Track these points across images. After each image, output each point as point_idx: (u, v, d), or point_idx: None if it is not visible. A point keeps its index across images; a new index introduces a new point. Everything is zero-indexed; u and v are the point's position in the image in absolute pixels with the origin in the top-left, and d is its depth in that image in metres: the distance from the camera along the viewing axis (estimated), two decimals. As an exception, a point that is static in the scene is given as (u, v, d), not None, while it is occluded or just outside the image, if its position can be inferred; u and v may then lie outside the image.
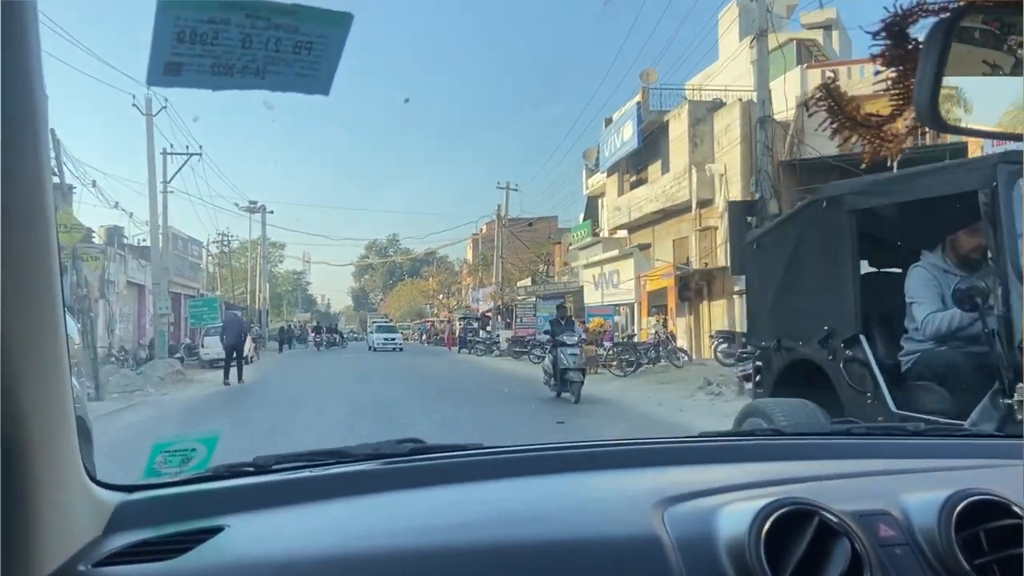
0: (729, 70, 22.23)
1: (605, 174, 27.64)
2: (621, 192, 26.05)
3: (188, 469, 1.24)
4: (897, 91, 1.10)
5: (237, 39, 0.84)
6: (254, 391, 15.96)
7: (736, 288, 19.17)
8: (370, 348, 38.36)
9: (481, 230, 56.05)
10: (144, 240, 25.89)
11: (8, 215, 0.73)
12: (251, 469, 1.22)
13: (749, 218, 11.84)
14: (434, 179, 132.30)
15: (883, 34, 1.07)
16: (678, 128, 21.83)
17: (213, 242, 47.68)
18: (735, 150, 19.04)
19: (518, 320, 30.80)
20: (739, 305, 19.52)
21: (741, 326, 18.68)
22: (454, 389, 15.60)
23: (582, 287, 28.55)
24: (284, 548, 0.96)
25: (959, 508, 0.93)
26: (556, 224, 43.68)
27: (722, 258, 19.96)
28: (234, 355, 17.95)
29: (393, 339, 37.72)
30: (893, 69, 1.06)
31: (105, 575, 0.90)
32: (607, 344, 19.80)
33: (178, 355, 26.22)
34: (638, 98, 23.70)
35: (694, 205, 20.73)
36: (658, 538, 0.92)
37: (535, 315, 28.67)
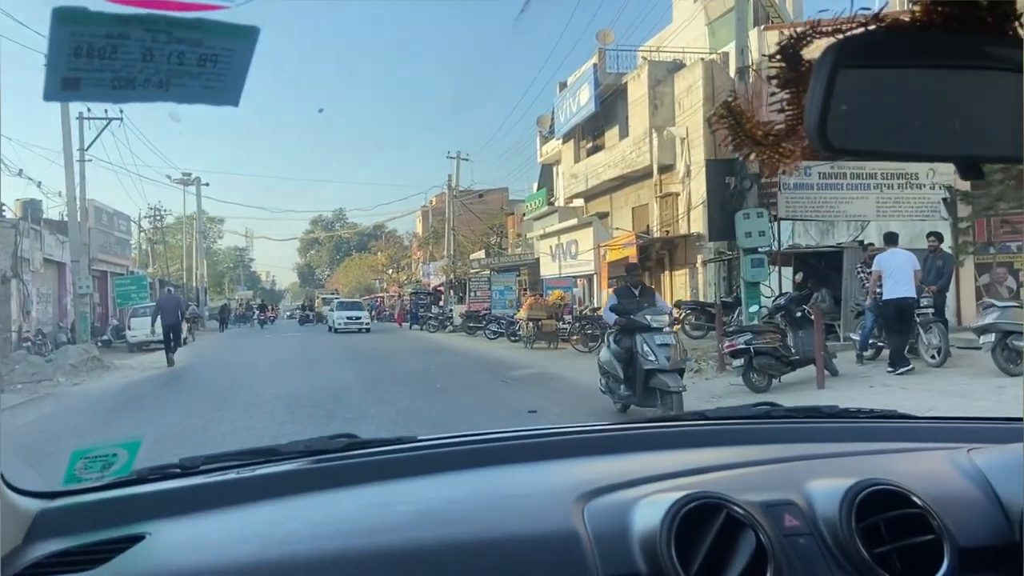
0: (684, 34, 21.22)
1: (560, 141, 26.37)
2: (578, 159, 24.87)
3: (110, 474, 1.21)
4: (791, 111, 1.10)
5: (137, 53, 0.83)
6: (185, 378, 14.40)
7: (701, 257, 18.35)
8: (331, 329, 33.76)
9: (431, 202, 54.56)
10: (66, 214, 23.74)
11: None
12: (177, 471, 1.21)
13: (728, 178, 10.84)
14: (381, 150, 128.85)
15: (777, 56, 1.08)
16: (637, 90, 20.72)
17: (144, 217, 45.00)
18: (697, 113, 18.05)
19: (472, 294, 29.37)
20: (703, 274, 18.71)
21: (707, 295, 17.90)
22: (410, 375, 13.94)
23: (538, 259, 27.43)
24: (203, 557, 0.95)
25: (859, 498, 0.93)
26: (507, 196, 42.35)
27: (685, 226, 19.06)
28: (171, 336, 16.68)
29: (359, 318, 32.46)
30: (787, 91, 1.08)
31: None
32: (567, 318, 18.80)
33: (105, 337, 24.40)
34: (594, 60, 22.49)
35: (655, 170, 19.73)
36: (576, 533, 0.93)
37: (489, 289, 27.46)
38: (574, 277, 23.39)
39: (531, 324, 18.64)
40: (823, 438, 1.35)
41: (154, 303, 21.66)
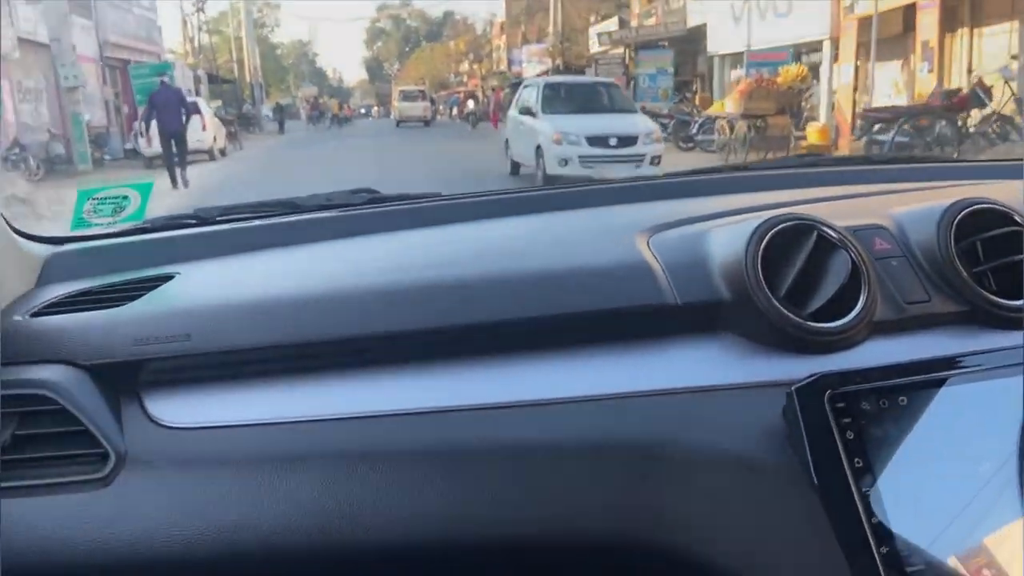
0: None
1: None
2: None
3: (122, 219, 1.14)
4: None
5: None
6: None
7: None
8: (397, 123, 31.45)
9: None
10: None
11: None
12: (192, 221, 1.16)
13: None
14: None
15: None
16: None
17: (184, -2, 37.34)
18: None
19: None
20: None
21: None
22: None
23: (700, 27, 19.05)
24: (246, 292, 0.91)
25: (958, 218, 0.89)
26: None
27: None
28: (174, 147, 11.44)
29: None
30: None
31: (43, 325, 0.85)
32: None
33: (128, 146, 18.80)
34: None
35: None
36: (646, 263, 0.89)
37: (625, 73, 19.62)
38: (785, 49, 15.16)
39: (746, 124, 11.30)
40: (905, 178, 1.24)
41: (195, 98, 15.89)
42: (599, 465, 0.77)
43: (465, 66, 60.08)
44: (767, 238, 0.85)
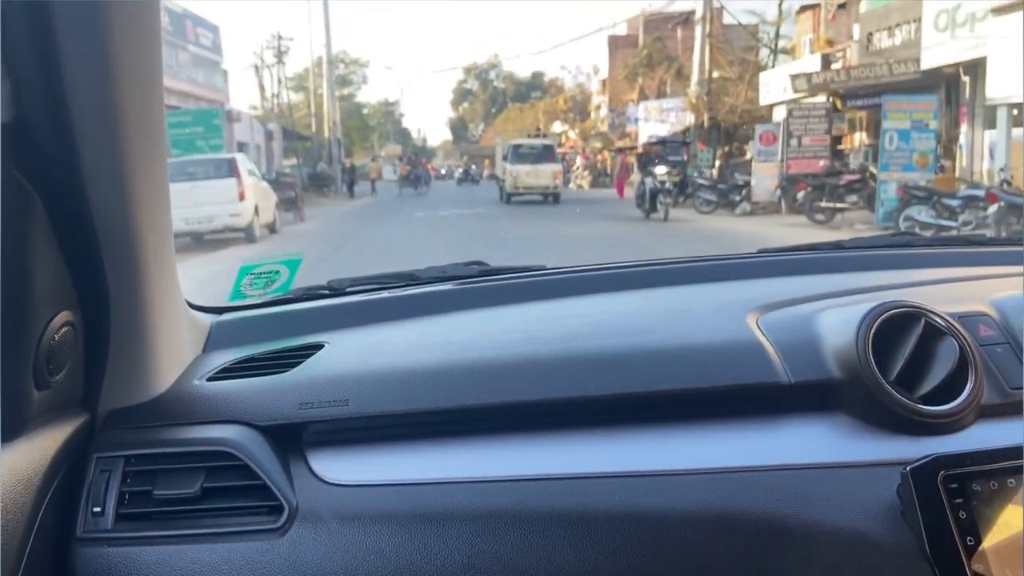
0: None
1: None
2: None
3: (272, 291, 1.23)
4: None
5: None
6: None
7: None
8: (502, 195, 20.63)
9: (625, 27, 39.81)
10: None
11: None
12: (327, 292, 1.23)
13: None
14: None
15: None
16: None
17: (267, 48, 33.86)
18: None
19: (791, 142, 15.45)
20: None
21: None
22: None
23: (953, 66, 12.83)
24: (392, 361, 0.96)
25: None
26: (758, 29, 25.62)
27: None
28: None
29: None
30: None
31: (219, 389, 0.92)
32: None
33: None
34: None
35: None
36: (758, 342, 0.92)
37: (828, 132, 13.58)
38: None
39: None
40: (988, 261, 1.27)
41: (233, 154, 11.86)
42: (722, 535, 0.78)
43: (557, 126, 55.62)
44: (877, 323, 0.88)
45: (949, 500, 0.73)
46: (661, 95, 29.60)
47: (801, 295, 1.05)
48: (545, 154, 20.81)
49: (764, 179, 15.37)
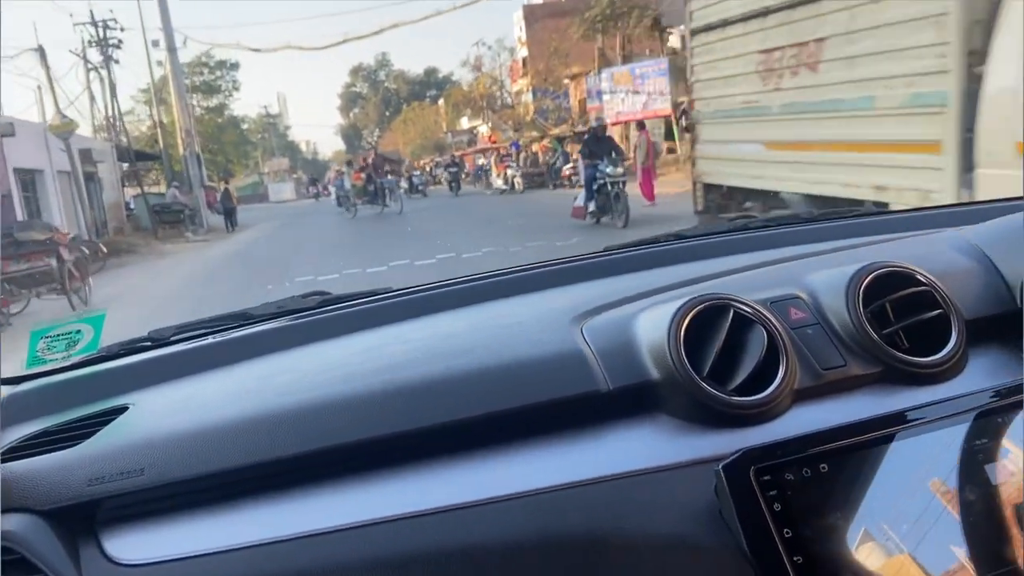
0: None
1: None
2: None
3: (76, 352, 1.13)
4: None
5: None
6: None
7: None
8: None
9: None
10: None
11: None
12: (148, 344, 1.17)
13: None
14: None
15: None
16: None
17: (90, 44, 24.97)
18: None
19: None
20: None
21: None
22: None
23: None
24: (200, 417, 0.90)
25: (866, 282, 0.93)
26: None
27: None
28: None
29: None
30: None
31: (5, 472, 0.85)
32: None
33: None
34: None
35: None
36: (580, 352, 0.91)
37: None
38: None
39: None
40: (813, 239, 1.28)
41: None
42: (544, 560, 0.76)
43: (466, 122, 48.48)
44: (687, 319, 0.87)
45: (763, 493, 0.73)
46: (627, 59, 22.97)
47: (630, 294, 1.04)
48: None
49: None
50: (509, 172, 25.06)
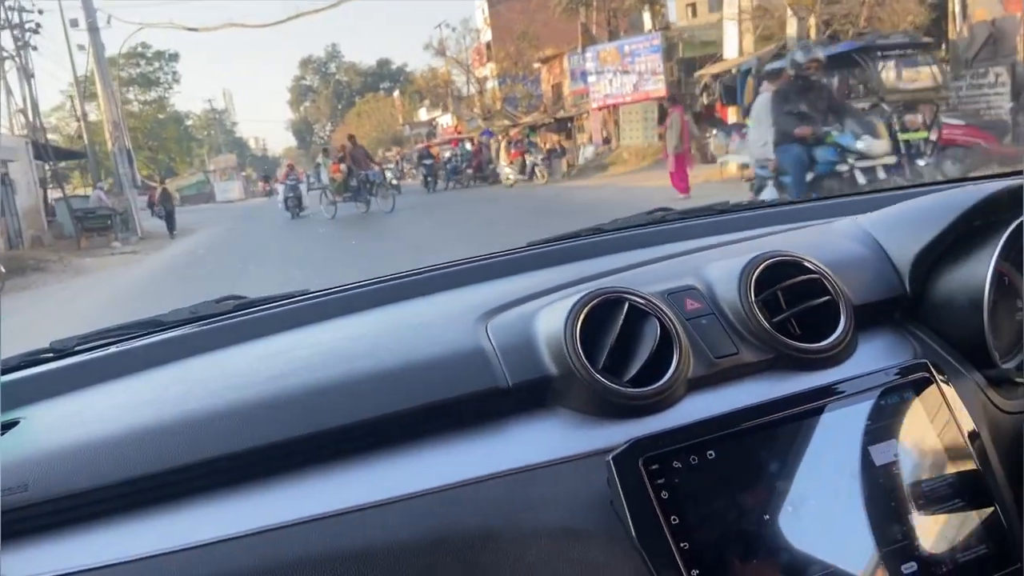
0: None
1: None
2: None
3: None
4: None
5: None
6: None
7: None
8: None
9: None
10: None
11: None
12: (49, 355, 1.14)
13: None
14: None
15: None
16: None
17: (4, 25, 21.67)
18: None
19: None
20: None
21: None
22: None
23: None
24: (92, 430, 0.89)
25: (756, 272, 0.95)
26: None
27: None
28: None
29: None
30: None
31: None
32: None
33: None
34: None
35: None
36: (481, 349, 0.92)
37: None
38: None
39: None
40: (717, 231, 1.32)
41: None
42: (436, 559, 0.76)
43: (424, 113, 45.82)
44: (583, 313, 0.89)
45: (651, 482, 0.75)
46: (613, 36, 20.77)
47: (537, 290, 1.05)
48: None
49: None
50: (528, 158, 20.55)
